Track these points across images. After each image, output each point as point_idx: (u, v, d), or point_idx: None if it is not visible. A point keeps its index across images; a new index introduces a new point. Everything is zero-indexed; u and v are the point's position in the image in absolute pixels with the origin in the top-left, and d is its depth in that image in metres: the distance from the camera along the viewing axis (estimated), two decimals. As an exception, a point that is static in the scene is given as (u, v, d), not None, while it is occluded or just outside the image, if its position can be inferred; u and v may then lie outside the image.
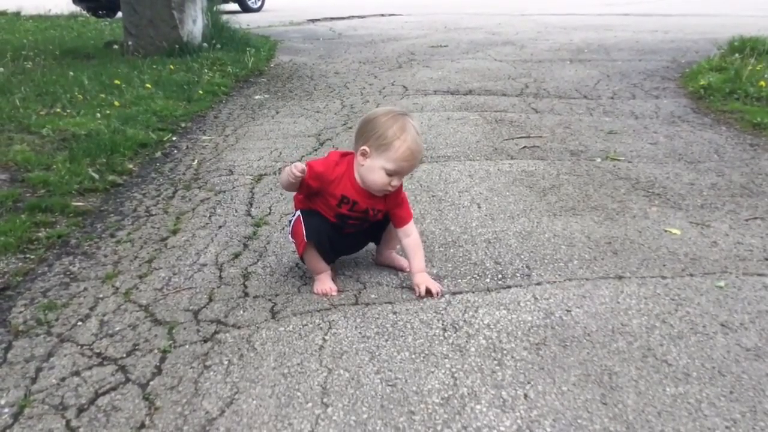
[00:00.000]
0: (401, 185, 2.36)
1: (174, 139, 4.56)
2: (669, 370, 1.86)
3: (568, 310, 2.19)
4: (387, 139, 2.19)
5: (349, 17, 14.63)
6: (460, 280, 2.43)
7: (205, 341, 2.06)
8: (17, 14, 15.01)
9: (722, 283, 2.38)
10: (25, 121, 4.50)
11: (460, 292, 2.34)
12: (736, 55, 6.73)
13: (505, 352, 1.97)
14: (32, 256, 2.70)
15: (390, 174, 2.22)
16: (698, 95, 5.58)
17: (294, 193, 2.43)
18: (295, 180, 2.21)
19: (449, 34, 10.77)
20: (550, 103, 5.44)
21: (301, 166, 2.19)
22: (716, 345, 1.99)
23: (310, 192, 2.31)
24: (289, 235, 2.43)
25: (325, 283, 2.37)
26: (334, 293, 2.34)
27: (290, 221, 2.44)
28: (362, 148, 2.24)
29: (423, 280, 2.33)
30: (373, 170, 2.23)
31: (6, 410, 1.74)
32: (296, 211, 2.42)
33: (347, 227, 2.40)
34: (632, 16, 13.99)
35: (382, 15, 15.33)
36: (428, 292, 2.29)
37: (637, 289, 2.34)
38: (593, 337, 2.04)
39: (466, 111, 5.16)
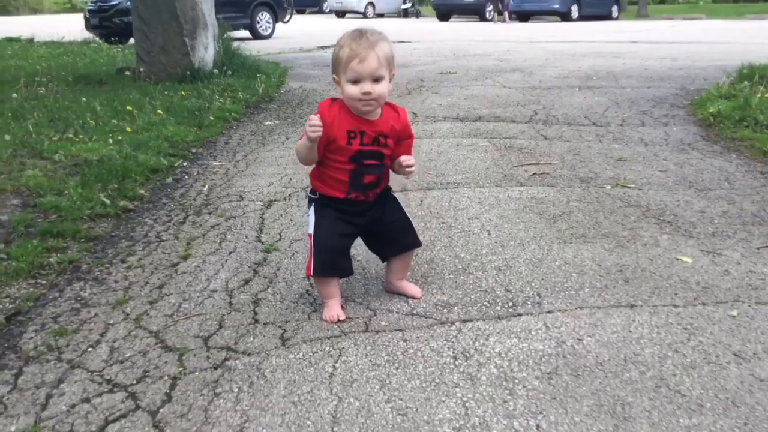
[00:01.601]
0: (405, 114, 2.43)
1: (185, 164, 4.59)
2: (682, 401, 1.85)
3: (579, 339, 2.18)
4: (336, 57, 2.25)
5: (358, 44, 14.70)
6: (470, 308, 2.42)
7: (215, 368, 2.06)
8: (31, 41, 15.24)
9: (735, 312, 2.36)
10: (37, 147, 4.54)
11: (471, 320, 2.33)
12: (745, 82, 6.73)
13: (516, 381, 1.95)
14: (43, 282, 2.71)
15: (354, 82, 2.22)
16: (708, 122, 5.58)
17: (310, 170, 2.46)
18: (316, 135, 2.21)
19: (458, 61, 10.85)
20: (560, 129, 5.45)
21: (316, 118, 2.22)
22: (730, 375, 1.98)
23: (324, 147, 2.32)
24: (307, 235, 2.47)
25: (333, 309, 2.36)
26: (342, 320, 2.34)
27: (307, 220, 2.46)
28: (333, 78, 2.32)
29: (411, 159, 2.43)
30: (345, 90, 2.25)
31: (16, 437, 1.74)
32: (309, 209, 2.44)
33: (366, 171, 2.35)
34: (640, 43, 14.06)
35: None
36: (410, 165, 2.38)
37: (649, 317, 2.32)
38: (605, 366, 2.02)
39: (476, 137, 5.18)
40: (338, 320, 2.33)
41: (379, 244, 2.55)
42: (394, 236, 2.50)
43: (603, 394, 1.88)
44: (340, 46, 2.24)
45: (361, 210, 2.42)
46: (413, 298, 2.51)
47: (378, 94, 2.23)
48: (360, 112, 2.28)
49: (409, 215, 2.57)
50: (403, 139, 2.42)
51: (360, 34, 2.24)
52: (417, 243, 2.57)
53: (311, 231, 2.40)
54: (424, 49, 13.34)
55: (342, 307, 2.41)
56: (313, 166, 2.41)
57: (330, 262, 2.38)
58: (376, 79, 2.22)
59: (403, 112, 2.43)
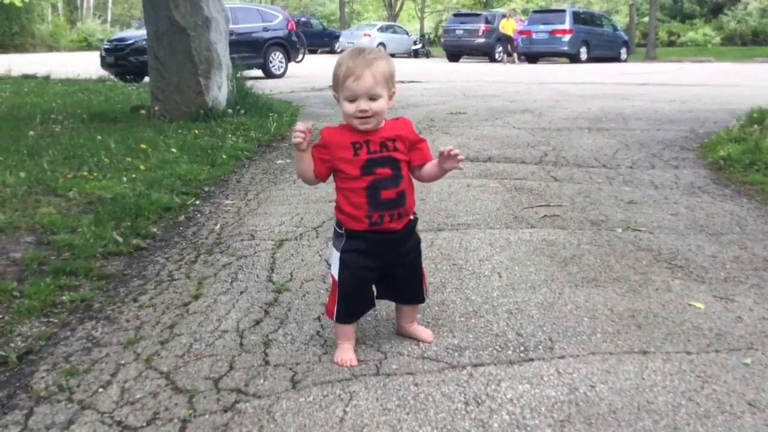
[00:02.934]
0: (408, 123, 2.39)
1: (197, 203, 4.62)
2: (697, 451, 1.82)
3: (592, 386, 2.16)
4: (334, 75, 2.27)
5: (369, 84, 14.86)
6: (481, 352, 2.41)
7: (225, 411, 2.05)
8: (47, 78, 15.48)
9: (749, 360, 2.34)
10: (52, 184, 4.59)
11: (482, 365, 2.32)
12: (755, 126, 6.75)
13: (529, 429, 1.94)
14: (55, 320, 2.73)
15: (350, 100, 2.22)
16: (718, 166, 5.59)
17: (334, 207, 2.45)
18: (297, 141, 2.23)
19: (468, 101, 10.94)
20: (570, 171, 5.47)
21: (301, 125, 2.24)
22: (744, 425, 1.95)
23: (328, 170, 2.35)
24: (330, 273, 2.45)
25: (347, 353, 2.35)
26: (354, 364, 2.32)
27: (331, 255, 2.45)
28: (333, 95, 2.34)
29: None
30: (342, 108, 2.26)
31: (25, 479, 1.73)
32: (333, 247, 2.41)
33: (381, 185, 2.28)
34: (649, 85, 14.15)
35: (402, 82, 15.60)
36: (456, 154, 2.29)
37: (663, 364, 2.31)
38: (618, 414, 2.00)
39: (486, 178, 5.20)
40: (350, 365, 2.32)
41: (389, 291, 2.50)
42: (407, 288, 2.48)
43: (616, 443, 1.86)
44: (339, 64, 2.26)
45: (389, 241, 2.35)
46: (425, 342, 2.49)
47: (375, 112, 2.23)
48: (358, 128, 2.28)
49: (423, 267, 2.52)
50: (414, 143, 2.37)
51: (358, 52, 2.26)
52: (423, 299, 2.55)
53: (335, 273, 2.37)
54: (434, 89, 13.47)
55: (354, 350, 2.40)
56: (336, 197, 2.40)
57: (354, 309, 2.40)
58: (373, 97, 2.22)
59: (405, 119, 2.40)
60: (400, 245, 2.38)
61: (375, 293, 2.48)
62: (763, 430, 1.93)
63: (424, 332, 2.53)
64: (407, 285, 2.47)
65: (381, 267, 2.39)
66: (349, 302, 2.37)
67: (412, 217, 2.42)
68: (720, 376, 2.24)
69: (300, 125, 2.24)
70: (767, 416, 2.00)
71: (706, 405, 2.06)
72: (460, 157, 2.29)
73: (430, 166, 2.38)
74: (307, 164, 2.33)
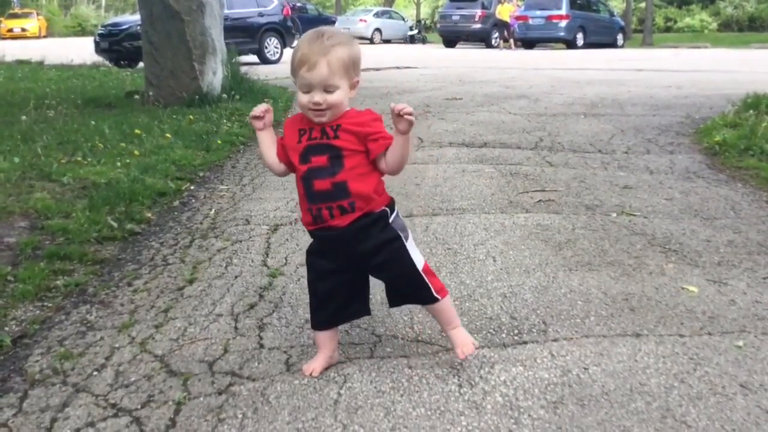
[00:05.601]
0: (375, 119, 2.13)
1: (192, 188, 4.62)
2: (689, 432, 1.84)
3: (585, 368, 2.18)
4: (292, 59, 2.08)
5: (365, 69, 14.74)
6: (475, 335, 2.41)
7: (220, 393, 2.06)
8: (40, 63, 15.38)
9: (741, 343, 2.35)
10: (46, 169, 4.57)
11: (476, 347, 2.32)
12: (751, 111, 6.75)
13: (522, 410, 1.95)
14: (50, 305, 2.72)
15: (305, 91, 2.03)
16: (713, 151, 5.59)
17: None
18: (253, 114, 2.16)
19: (464, 87, 10.92)
20: (565, 156, 5.47)
21: (264, 106, 2.18)
22: (736, 407, 1.96)
23: (285, 158, 2.18)
24: None
25: (314, 361, 2.18)
26: (314, 375, 2.14)
27: None
28: (293, 80, 2.11)
29: (465, 341, 2.17)
30: (298, 97, 2.08)
31: (20, 461, 1.74)
32: None
33: (314, 175, 2.07)
34: (645, 71, 14.13)
35: (398, 68, 15.58)
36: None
37: (655, 347, 2.32)
38: (611, 396, 2.02)
39: (481, 163, 5.20)
40: (309, 374, 2.14)
41: (386, 291, 2.26)
42: (403, 290, 2.21)
43: (609, 425, 1.87)
44: (296, 48, 2.08)
45: (334, 240, 2.11)
46: (457, 354, 2.19)
47: (330, 104, 2.02)
48: (311, 118, 2.08)
49: (416, 264, 2.15)
50: (368, 135, 2.07)
51: (316, 36, 2.04)
52: (432, 299, 2.17)
53: None
54: (430, 75, 13.43)
55: (328, 361, 2.20)
56: None
57: (326, 315, 2.19)
58: (328, 89, 2.01)
59: (368, 111, 2.15)
60: (355, 245, 2.09)
61: (363, 300, 2.26)
62: (755, 411, 1.94)
63: (460, 341, 2.19)
64: (400, 287, 2.20)
65: (346, 269, 2.15)
66: (320, 306, 2.18)
67: (368, 212, 2.09)
68: (712, 358, 2.25)
69: (259, 106, 2.18)
70: (759, 398, 2.01)
71: (698, 387, 2.07)
72: (400, 112, 2.01)
73: (392, 147, 2.08)
74: (266, 147, 2.21)
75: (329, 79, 2.00)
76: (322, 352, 2.20)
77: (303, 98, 2.05)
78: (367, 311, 2.29)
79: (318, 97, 2.01)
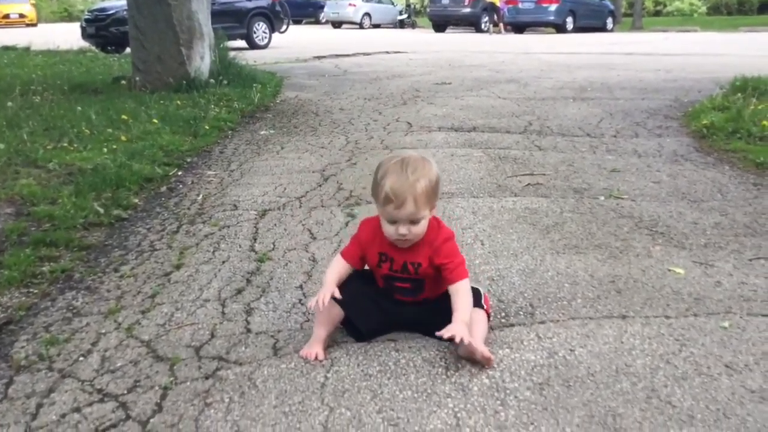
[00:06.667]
0: (446, 240, 2.19)
1: (179, 173, 4.59)
2: (673, 412, 1.85)
3: (571, 350, 2.18)
4: (375, 187, 2.13)
5: (354, 54, 14.80)
6: (463, 318, 2.41)
7: (207, 378, 2.05)
8: (27, 49, 15.23)
9: (726, 324, 2.36)
10: (32, 155, 4.54)
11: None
12: (739, 94, 6.77)
13: (508, 391, 1.95)
14: (35, 291, 2.71)
15: (390, 222, 2.11)
16: (701, 134, 5.60)
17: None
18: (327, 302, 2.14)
19: (453, 71, 10.89)
20: (554, 140, 5.47)
21: (328, 294, 2.14)
22: (721, 386, 1.98)
23: (359, 259, 2.28)
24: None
25: (312, 347, 2.17)
26: (319, 360, 2.14)
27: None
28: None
29: (457, 328, 2.04)
30: (383, 225, 2.16)
31: (5, 447, 1.74)
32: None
33: (396, 291, 2.26)
34: (635, 55, 14.14)
35: (387, 52, 15.51)
36: (451, 339, 2.04)
37: (641, 328, 2.33)
38: (597, 377, 2.02)
39: (470, 148, 5.19)
40: (315, 358, 2.14)
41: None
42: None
43: (594, 405, 1.88)
44: (381, 180, 2.09)
45: (402, 305, 2.29)
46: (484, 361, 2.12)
47: (415, 234, 2.13)
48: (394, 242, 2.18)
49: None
50: (443, 267, 2.17)
51: (401, 167, 2.07)
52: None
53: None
54: (420, 59, 13.39)
55: (325, 349, 2.20)
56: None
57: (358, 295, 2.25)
58: (414, 221, 2.10)
59: (445, 237, 2.20)
60: (415, 308, 2.28)
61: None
62: (739, 391, 1.95)
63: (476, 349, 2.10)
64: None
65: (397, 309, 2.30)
66: (354, 285, 2.24)
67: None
68: (698, 339, 2.26)
69: (326, 294, 2.15)
70: (743, 378, 2.02)
71: (683, 367, 2.08)
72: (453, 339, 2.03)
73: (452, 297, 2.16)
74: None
75: (416, 213, 2.09)
76: (321, 340, 2.18)
77: (389, 228, 2.13)
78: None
79: (403, 229, 2.11)
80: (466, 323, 2.07)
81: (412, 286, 2.25)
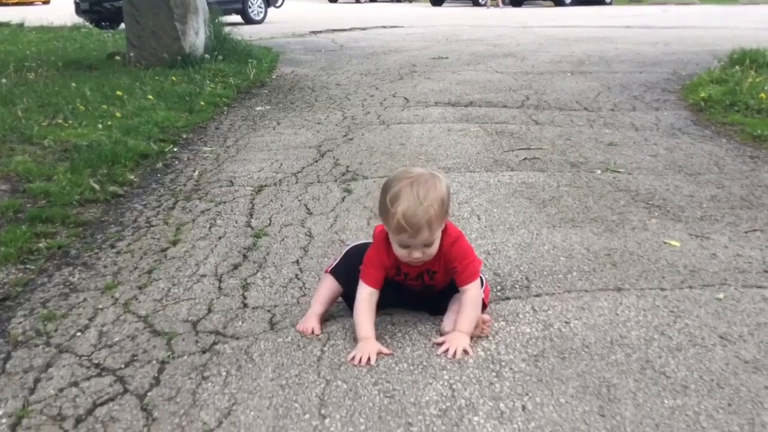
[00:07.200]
0: (460, 244, 2.14)
1: (175, 150, 4.58)
2: (667, 382, 1.86)
3: (566, 322, 2.19)
4: (385, 213, 2.03)
5: (351, 29, 14.69)
6: (459, 292, 2.42)
7: (204, 352, 2.06)
8: (20, 25, 15.09)
9: (721, 296, 2.37)
10: (26, 132, 4.52)
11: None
12: (737, 67, 6.75)
13: (503, 363, 1.97)
14: (32, 267, 2.71)
15: (403, 246, 2.05)
16: (699, 107, 5.59)
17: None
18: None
19: (450, 45, 10.81)
20: (551, 114, 5.45)
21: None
22: (715, 357, 1.99)
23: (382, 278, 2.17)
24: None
25: (309, 321, 2.18)
26: (315, 334, 2.15)
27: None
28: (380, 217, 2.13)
29: (456, 339, 2.04)
30: (394, 248, 2.09)
31: (4, 420, 1.75)
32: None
33: (409, 288, 2.24)
34: (633, 28, 14.04)
35: (384, 27, 15.40)
36: (446, 352, 2.02)
37: (636, 300, 2.34)
38: (592, 349, 2.04)
39: (467, 122, 5.17)
40: (312, 333, 2.15)
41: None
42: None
43: (589, 376, 1.89)
44: (391, 206, 1.98)
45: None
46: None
47: (429, 256, 2.07)
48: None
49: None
50: (453, 271, 2.14)
51: (411, 192, 1.97)
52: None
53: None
54: (416, 34, 13.30)
55: (321, 323, 2.20)
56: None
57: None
58: (427, 245, 2.04)
59: (450, 239, 2.13)
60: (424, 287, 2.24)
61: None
62: (733, 361, 1.96)
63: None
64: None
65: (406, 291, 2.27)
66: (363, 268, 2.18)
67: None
68: (692, 311, 2.27)
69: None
70: (738, 348, 2.04)
71: (678, 339, 2.09)
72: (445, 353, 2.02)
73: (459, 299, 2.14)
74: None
75: (429, 238, 2.03)
76: (318, 314, 2.20)
77: (401, 252, 2.07)
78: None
79: (417, 254, 2.05)
80: (466, 332, 2.06)
81: (421, 290, 2.23)
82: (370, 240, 2.25)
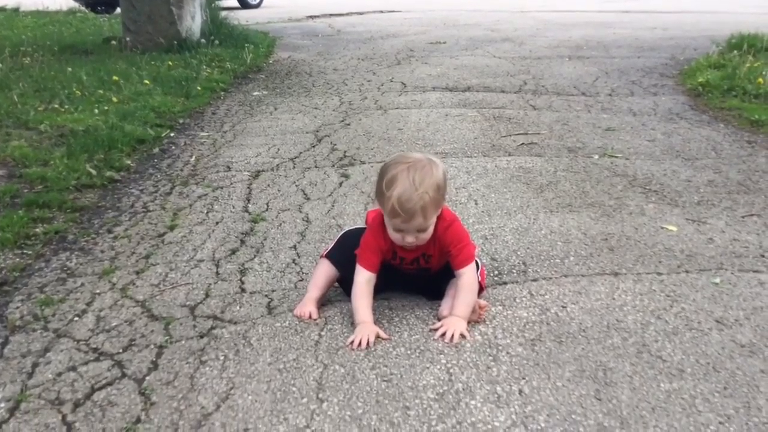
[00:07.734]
0: (454, 228, 2.14)
1: (172, 135, 4.56)
2: (663, 366, 1.87)
3: (563, 307, 2.20)
4: (380, 197, 2.04)
5: (348, 14, 14.61)
6: (456, 277, 2.42)
7: (202, 337, 2.07)
8: (16, 10, 14.97)
9: (718, 280, 2.38)
10: (23, 117, 4.49)
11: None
12: (735, 52, 6.73)
13: (500, 347, 1.97)
14: (29, 252, 2.71)
15: (397, 230, 2.06)
16: (696, 92, 5.58)
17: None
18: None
19: (448, 30, 10.77)
20: (549, 100, 5.44)
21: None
22: (711, 341, 2.00)
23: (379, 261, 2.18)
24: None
25: (306, 305, 2.19)
26: (313, 318, 2.16)
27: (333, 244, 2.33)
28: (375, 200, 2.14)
29: (452, 323, 2.04)
30: (389, 231, 2.09)
31: (2, 405, 1.75)
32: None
33: (405, 271, 2.24)
34: (632, 13, 13.99)
35: (381, 12, 15.31)
36: (443, 336, 2.03)
37: (633, 285, 2.34)
38: (588, 333, 2.04)
39: (465, 108, 5.16)
40: (309, 317, 2.16)
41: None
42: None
43: (585, 360, 1.90)
44: (387, 190, 1.99)
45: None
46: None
47: (422, 240, 2.08)
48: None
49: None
50: (449, 255, 2.15)
51: (407, 177, 1.98)
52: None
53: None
54: (414, 18, 13.23)
55: (318, 308, 2.21)
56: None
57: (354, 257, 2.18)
58: (421, 230, 2.05)
59: (445, 222, 2.13)
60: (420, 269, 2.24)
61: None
62: (729, 345, 1.97)
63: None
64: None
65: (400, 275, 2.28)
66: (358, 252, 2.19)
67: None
68: (689, 295, 2.28)
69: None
70: (734, 332, 2.04)
71: (674, 323, 2.10)
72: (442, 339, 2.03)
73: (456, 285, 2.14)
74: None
75: (423, 224, 2.03)
76: (316, 298, 2.21)
77: (395, 235, 2.08)
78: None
79: (411, 238, 2.06)
80: (462, 317, 2.06)
81: (417, 274, 2.24)
82: (365, 225, 2.25)
